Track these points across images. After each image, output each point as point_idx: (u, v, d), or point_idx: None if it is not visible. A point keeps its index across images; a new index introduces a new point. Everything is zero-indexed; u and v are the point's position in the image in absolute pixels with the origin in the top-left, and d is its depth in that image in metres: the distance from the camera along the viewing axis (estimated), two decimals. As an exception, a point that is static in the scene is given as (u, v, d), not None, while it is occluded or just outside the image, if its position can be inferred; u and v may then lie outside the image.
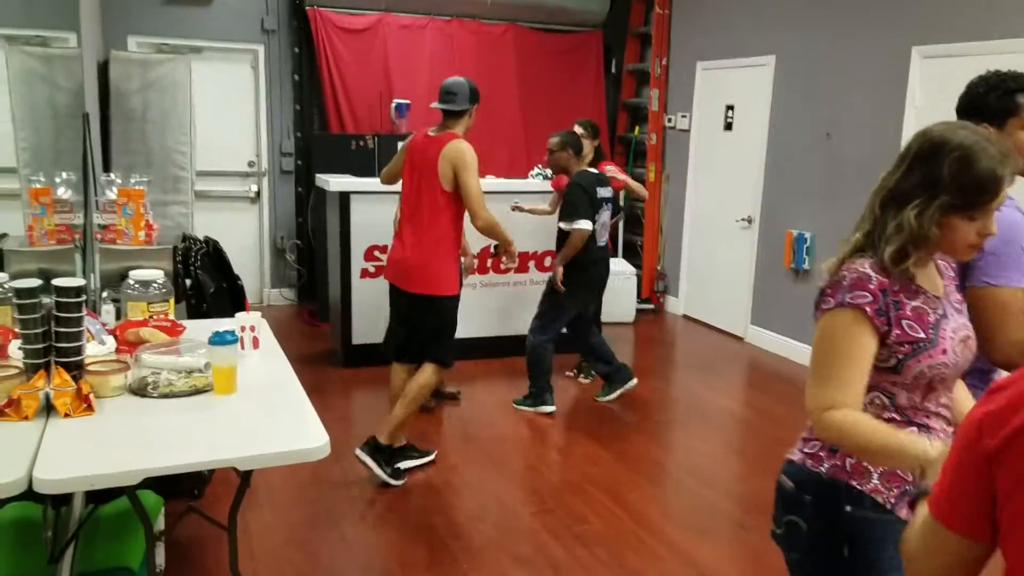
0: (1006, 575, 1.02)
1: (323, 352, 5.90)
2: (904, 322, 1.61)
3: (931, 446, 1.46)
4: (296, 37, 7.09)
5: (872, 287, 1.60)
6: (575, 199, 4.68)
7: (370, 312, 5.46)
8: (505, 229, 3.99)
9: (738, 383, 5.83)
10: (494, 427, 4.72)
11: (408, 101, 6.80)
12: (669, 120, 7.60)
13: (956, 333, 1.67)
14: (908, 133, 5.10)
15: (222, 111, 6.89)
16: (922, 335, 1.62)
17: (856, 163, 5.53)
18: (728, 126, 6.90)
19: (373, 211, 5.40)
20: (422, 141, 3.91)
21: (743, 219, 6.68)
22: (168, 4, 6.73)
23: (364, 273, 5.50)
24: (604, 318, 5.82)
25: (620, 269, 6.97)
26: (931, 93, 5.00)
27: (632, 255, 7.88)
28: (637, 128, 7.97)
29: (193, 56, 6.18)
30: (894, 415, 1.67)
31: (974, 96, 2.15)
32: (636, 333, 6.97)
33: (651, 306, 7.69)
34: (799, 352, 6.00)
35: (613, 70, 8.13)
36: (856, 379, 1.60)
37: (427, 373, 3.94)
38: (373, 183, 5.68)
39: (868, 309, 1.59)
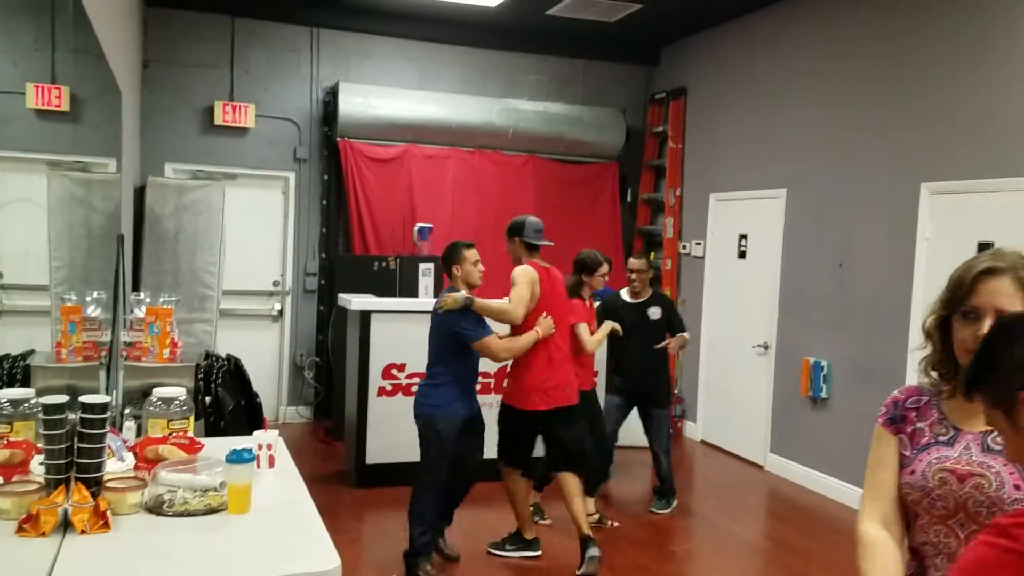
0: None
1: (336, 472, 5.85)
2: (901, 436, 1.70)
3: None
4: (326, 165, 7.40)
5: (900, 399, 1.74)
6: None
7: (385, 431, 5.45)
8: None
9: (758, 513, 5.70)
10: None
11: (431, 225, 7.01)
12: (684, 247, 7.75)
13: (940, 461, 1.63)
14: (920, 264, 5.19)
15: (251, 233, 7.12)
16: (907, 451, 1.67)
17: (869, 294, 5.58)
18: (742, 254, 7.03)
19: (393, 330, 5.49)
20: (544, 272, 4.33)
21: (759, 345, 6.70)
22: (205, 134, 7.08)
23: (381, 391, 5.53)
24: (624, 443, 5.81)
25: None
26: (941, 226, 5.10)
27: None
28: (652, 254, 8.12)
29: (227, 182, 6.46)
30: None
31: None
32: (653, 459, 6.86)
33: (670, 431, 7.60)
34: (819, 483, 5.87)
35: (628, 199, 8.37)
36: (876, 486, 1.67)
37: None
38: (394, 302, 5.85)
39: (880, 419, 1.73)
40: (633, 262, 5.38)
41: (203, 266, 5.98)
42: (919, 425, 1.68)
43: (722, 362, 7.28)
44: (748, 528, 5.31)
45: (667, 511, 5.33)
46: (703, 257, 7.48)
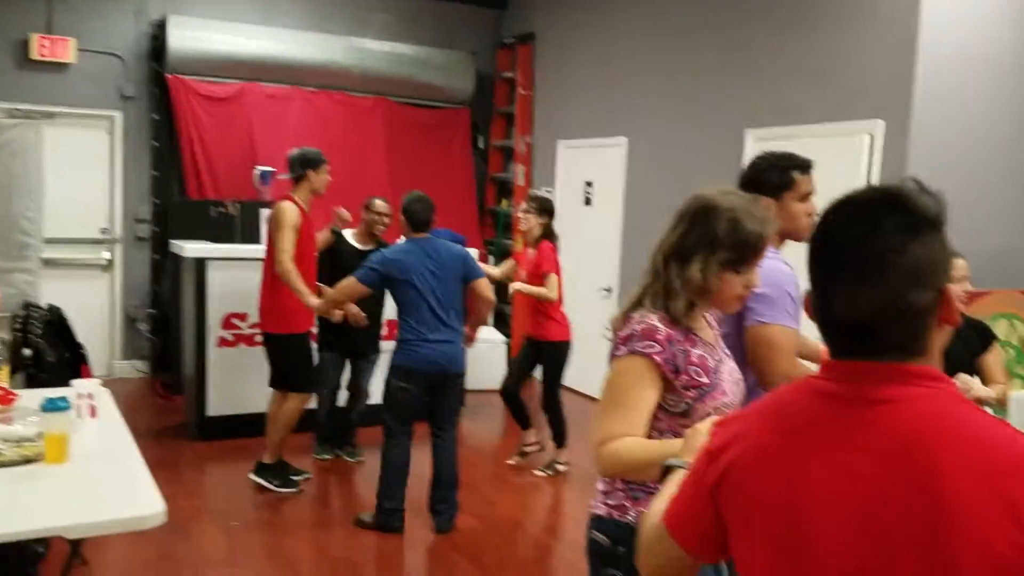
0: None
1: (176, 425, 5.76)
2: (691, 368, 1.80)
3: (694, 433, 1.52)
4: (156, 104, 7.08)
5: (660, 338, 1.78)
6: None
7: (228, 382, 5.41)
8: (298, 284, 4.43)
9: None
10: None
11: (273, 168, 6.87)
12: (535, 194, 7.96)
13: (731, 375, 1.91)
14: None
15: (75, 177, 6.76)
16: (706, 380, 1.82)
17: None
18: (587, 201, 7.31)
19: (232, 278, 5.40)
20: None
21: (604, 289, 7.04)
22: (20, 69, 6.61)
23: (222, 342, 5.46)
24: (474, 385, 6.02)
25: (490, 337, 7.16)
26: (764, 173, 5.51)
27: (502, 324, 8.10)
28: (505, 201, 8.30)
29: (46, 121, 6.08)
30: None
31: (756, 172, 2.47)
32: (503, 401, 7.13)
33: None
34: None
35: (481, 145, 8.48)
36: (637, 421, 1.76)
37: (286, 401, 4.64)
38: (232, 249, 5.73)
39: (657, 358, 1.77)
40: (379, 204, 5.08)
41: (21, 212, 5.62)
42: (699, 352, 1.84)
43: (571, 306, 7.58)
44: (587, 459, 5.65)
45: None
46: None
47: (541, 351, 5.21)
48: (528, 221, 5.09)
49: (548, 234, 5.09)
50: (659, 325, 1.80)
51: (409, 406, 4.15)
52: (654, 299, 1.85)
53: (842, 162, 4.90)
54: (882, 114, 4.72)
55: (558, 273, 5.10)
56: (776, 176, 2.45)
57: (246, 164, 7.02)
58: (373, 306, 4.84)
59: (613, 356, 1.84)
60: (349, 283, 4.18)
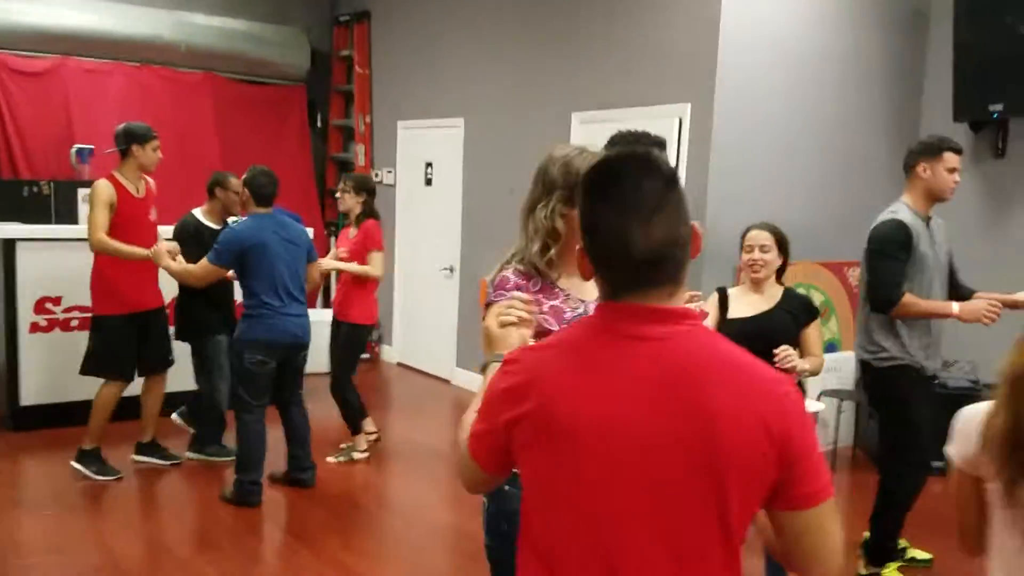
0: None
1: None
2: (540, 316, 1.95)
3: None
4: (-40, 77, 6.64)
5: (509, 286, 1.98)
6: None
7: (43, 369, 5.21)
8: (122, 247, 4.36)
9: (441, 421, 6.22)
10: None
11: (92, 146, 6.59)
12: (376, 175, 7.99)
13: None
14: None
15: None
16: (554, 327, 1.96)
17: (534, 215, 6.21)
18: (428, 182, 7.43)
19: (45, 260, 5.20)
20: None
21: (446, 268, 7.18)
22: None
23: (35, 327, 5.23)
24: (318, 368, 5.61)
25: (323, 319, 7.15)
26: (589, 153, 5.80)
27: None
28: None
29: None
30: None
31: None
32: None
33: (366, 355, 7.94)
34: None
35: (319, 124, 8.42)
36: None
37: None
38: (44, 230, 5.49)
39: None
40: (234, 182, 4.83)
41: None
42: (554, 303, 2.00)
43: (415, 287, 7.71)
44: (429, 435, 5.80)
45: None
46: (394, 185, 7.79)
47: (340, 331, 5.06)
48: (345, 201, 5.09)
49: (370, 212, 5.10)
50: (511, 277, 2.01)
51: (267, 379, 4.30)
52: (520, 256, 2.05)
53: (657, 142, 5.23)
54: (689, 98, 5.08)
55: (381, 249, 5.08)
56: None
57: (63, 142, 6.71)
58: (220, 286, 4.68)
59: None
60: (205, 267, 4.23)
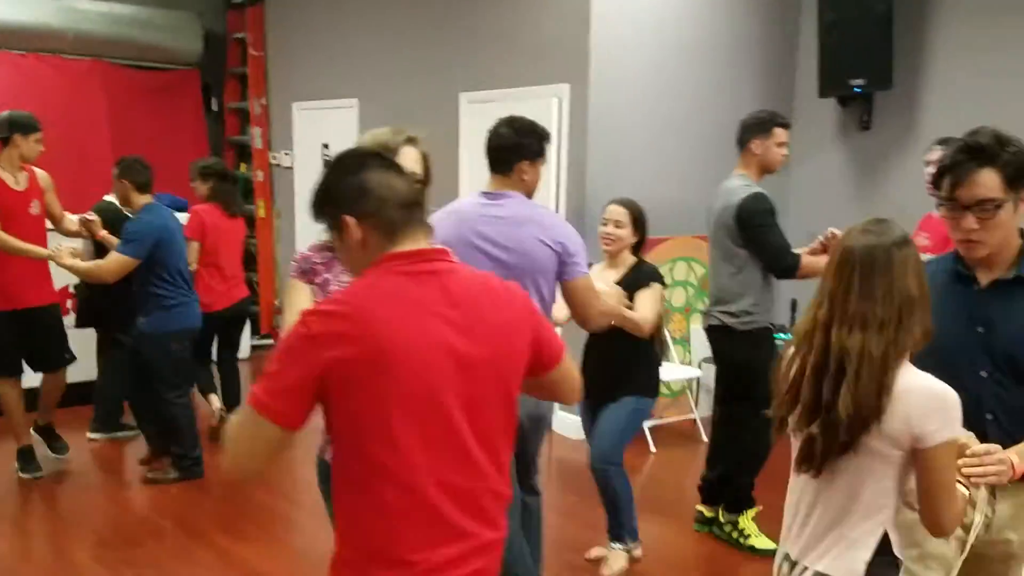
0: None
1: None
2: (318, 279, 2.33)
3: None
4: None
5: (299, 258, 2.39)
6: None
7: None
8: (16, 244, 4.33)
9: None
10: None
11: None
12: (274, 158, 8.02)
13: None
14: (462, 167, 6.03)
15: None
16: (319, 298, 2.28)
17: (430, 197, 6.33)
18: (326, 163, 7.46)
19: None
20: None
21: (347, 251, 7.27)
22: None
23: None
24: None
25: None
26: (475, 132, 5.95)
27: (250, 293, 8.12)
28: (244, 165, 8.29)
29: None
30: None
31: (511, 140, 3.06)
32: (252, 368, 7.22)
33: (271, 341, 8.00)
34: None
35: (215, 108, 8.39)
36: (297, 304, 2.22)
37: None
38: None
39: (293, 272, 2.39)
40: None
41: None
42: (327, 276, 2.31)
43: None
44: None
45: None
46: (292, 168, 7.82)
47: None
48: (198, 189, 5.23)
49: (216, 196, 5.15)
50: (306, 251, 2.40)
51: (188, 361, 4.62)
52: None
53: (540, 121, 5.41)
54: (567, 78, 5.27)
55: (195, 238, 4.99)
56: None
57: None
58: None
59: None
60: (120, 260, 4.28)
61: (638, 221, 3.63)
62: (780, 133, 3.78)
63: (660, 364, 3.77)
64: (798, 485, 1.90)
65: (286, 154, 7.88)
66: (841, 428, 1.72)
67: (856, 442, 1.73)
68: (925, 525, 1.78)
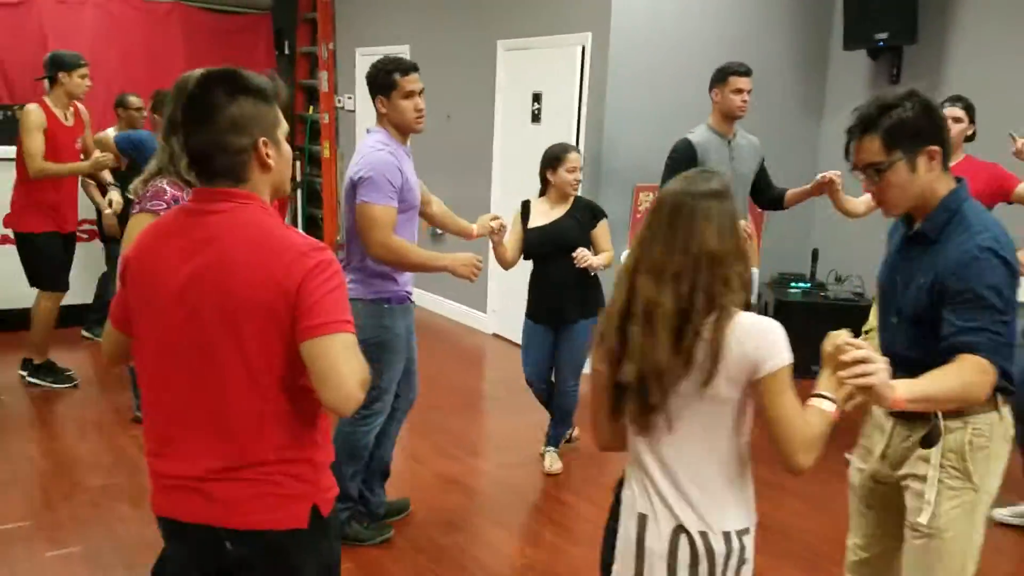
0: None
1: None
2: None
3: None
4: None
5: (167, 198, 2.44)
6: None
7: (11, 279, 5.88)
8: (63, 168, 4.85)
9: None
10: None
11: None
12: (339, 101, 8.56)
13: None
14: (498, 112, 6.41)
15: None
16: None
17: (468, 140, 6.77)
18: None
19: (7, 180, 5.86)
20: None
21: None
22: None
23: (2, 240, 5.93)
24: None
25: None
26: (512, 78, 6.31)
27: (314, 228, 8.78)
28: (312, 108, 8.87)
29: None
30: None
31: (370, 77, 3.22)
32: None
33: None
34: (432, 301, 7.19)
35: (287, 52, 8.98)
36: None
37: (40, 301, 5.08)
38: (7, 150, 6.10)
39: (161, 212, 2.34)
40: (133, 100, 5.78)
41: None
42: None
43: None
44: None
45: None
46: (354, 111, 8.35)
47: None
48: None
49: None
50: (167, 188, 2.45)
51: None
52: (169, 170, 2.50)
53: (566, 68, 5.74)
54: (590, 27, 5.55)
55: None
56: (382, 78, 3.20)
57: (39, 70, 7.35)
58: None
59: (130, 215, 2.51)
60: None
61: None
62: (735, 80, 4.05)
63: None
64: (637, 444, 1.85)
65: (349, 98, 8.41)
66: (652, 380, 1.72)
67: (668, 394, 1.73)
68: (781, 459, 1.72)
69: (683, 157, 3.98)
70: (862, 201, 3.90)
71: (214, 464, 1.69)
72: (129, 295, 1.78)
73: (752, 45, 5.78)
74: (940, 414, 2.06)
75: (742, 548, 1.78)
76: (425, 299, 7.21)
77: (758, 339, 1.69)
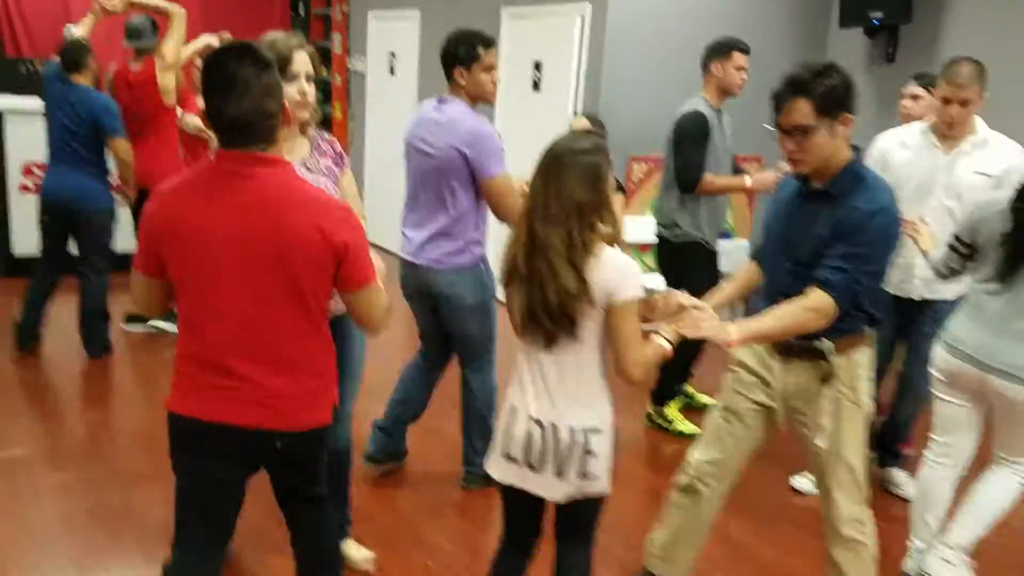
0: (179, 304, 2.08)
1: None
2: None
3: None
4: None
5: None
6: None
7: (32, 225, 6.20)
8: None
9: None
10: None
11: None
12: (350, 63, 8.75)
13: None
14: (501, 80, 6.57)
15: None
16: None
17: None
18: (392, 71, 8.16)
19: (31, 129, 6.13)
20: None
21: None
22: None
23: (23, 189, 6.23)
24: None
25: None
26: (515, 46, 6.48)
27: (323, 188, 8.99)
28: (324, 70, 9.06)
29: None
30: None
31: (451, 47, 3.37)
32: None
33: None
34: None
35: (301, 13, 9.16)
36: None
37: None
38: (32, 103, 6.38)
39: None
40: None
41: None
42: None
43: (380, 172, 8.54)
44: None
45: None
46: (365, 73, 8.53)
47: None
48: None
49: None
50: None
51: None
52: None
53: (566, 38, 5.91)
54: (589, -3, 5.71)
55: None
56: (464, 51, 3.34)
57: (59, 22, 7.59)
58: None
59: None
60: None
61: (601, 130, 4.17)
62: (739, 57, 4.14)
63: None
64: (520, 355, 2.28)
65: (360, 60, 8.59)
66: (554, 306, 2.10)
67: (570, 317, 2.11)
68: (617, 370, 2.17)
69: (701, 131, 4.07)
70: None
71: (269, 380, 2.05)
72: (166, 247, 2.00)
73: (750, 20, 5.92)
74: (832, 356, 2.46)
75: (586, 441, 2.18)
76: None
77: (615, 273, 2.10)
